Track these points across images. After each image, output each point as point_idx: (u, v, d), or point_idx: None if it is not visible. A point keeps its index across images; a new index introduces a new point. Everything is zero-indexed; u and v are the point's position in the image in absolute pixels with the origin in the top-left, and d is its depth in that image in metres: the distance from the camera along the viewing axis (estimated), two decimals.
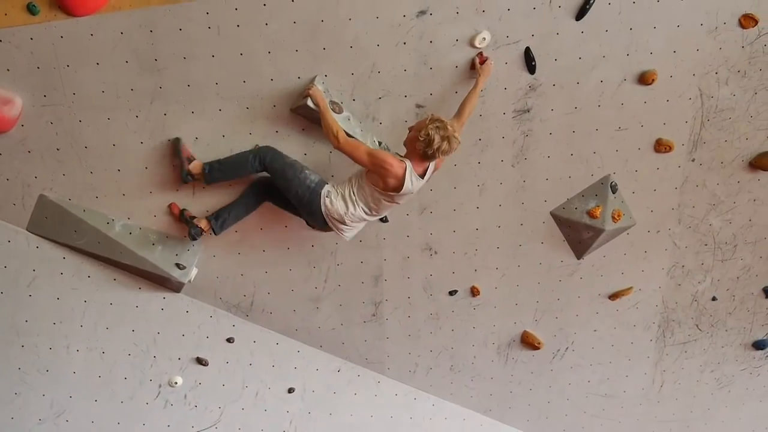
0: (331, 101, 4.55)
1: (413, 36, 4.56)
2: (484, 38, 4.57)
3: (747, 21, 4.70)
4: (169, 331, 5.18)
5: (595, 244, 5.22)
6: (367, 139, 4.62)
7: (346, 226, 4.47)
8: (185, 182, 4.63)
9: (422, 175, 4.31)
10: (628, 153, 5.03)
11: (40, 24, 4.35)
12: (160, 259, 4.87)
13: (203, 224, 4.72)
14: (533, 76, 4.73)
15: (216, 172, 4.59)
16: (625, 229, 5.23)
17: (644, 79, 4.79)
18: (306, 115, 4.61)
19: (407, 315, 5.44)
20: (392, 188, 4.27)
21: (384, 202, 4.37)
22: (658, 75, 4.79)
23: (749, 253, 5.49)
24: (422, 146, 4.13)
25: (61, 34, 4.37)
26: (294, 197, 4.46)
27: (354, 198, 4.38)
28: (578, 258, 5.35)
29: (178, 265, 4.89)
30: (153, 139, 4.66)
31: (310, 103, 4.43)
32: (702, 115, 4.97)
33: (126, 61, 4.46)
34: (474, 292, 5.39)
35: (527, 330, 5.60)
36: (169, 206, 4.84)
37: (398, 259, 5.22)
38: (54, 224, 4.79)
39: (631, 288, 5.50)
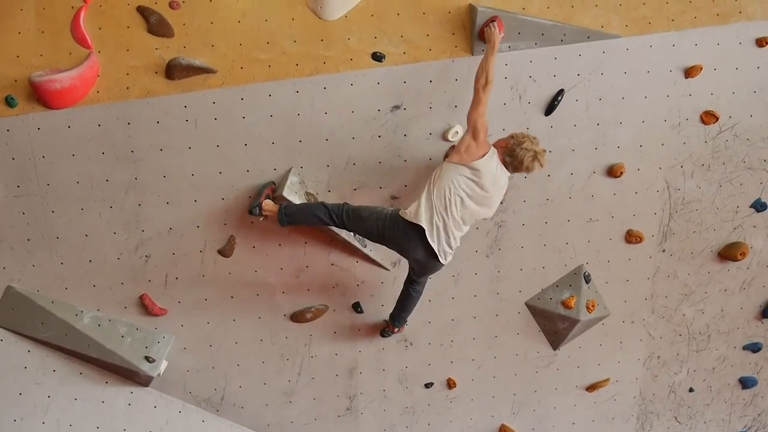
0: (306, 192, 4.59)
1: (388, 129, 4.67)
2: (457, 132, 4.69)
3: (708, 117, 4.89)
4: (135, 427, 4.98)
5: (570, 335, 5.21)
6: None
7: (437, 232, 4.21)
8: (251, 214, 4.47)
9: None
10: (599, 244, 5.10)
11: (18, 116, 4.39)
12: (128, 351, 4.75)
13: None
14: None
15: (291, 216, 4.42)
16: (599, 319, 5.23)
17: (613, 171, 4.92)
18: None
19: (382, 409, 5.32)
20: (476, 156, 4.15)
21: (463, 190, 4.15)
22: (626, 168, 4.92)
23: (723, 343, 5.50)
24: (513, 143, 4.18)
25: (38, 126, 4.41)
26: (375, 233, 4.32)
27: (431, 195, 4.18)
28: (554, 349, 5.33)
29: (147, 358, 4.77)
30: (126, 230, 4.64)
31: (286, 194, 4.47)
32: (670, 207, 5.08)
33: (102, 153, 4.49)
34: (450, 384, 5.31)
35: (505, 423, 5.49)
36: (141, 297, 4.77)
37: (373, 350, 5.15)
38: (20, 316, 4.68)
39: (608, 379, 5.46)
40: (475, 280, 5.08)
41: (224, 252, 4.77)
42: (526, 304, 5.20)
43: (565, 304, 5.09)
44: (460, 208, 4.22)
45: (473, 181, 4.19)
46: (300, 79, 4.52)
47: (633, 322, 5.34)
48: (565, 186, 4.93)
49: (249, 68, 4.50)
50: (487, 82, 4.20)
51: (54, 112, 4.40)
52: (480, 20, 4.51)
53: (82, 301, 4.74)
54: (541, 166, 4.21)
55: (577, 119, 4.79)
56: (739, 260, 5.21)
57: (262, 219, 4.51)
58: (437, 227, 4.23)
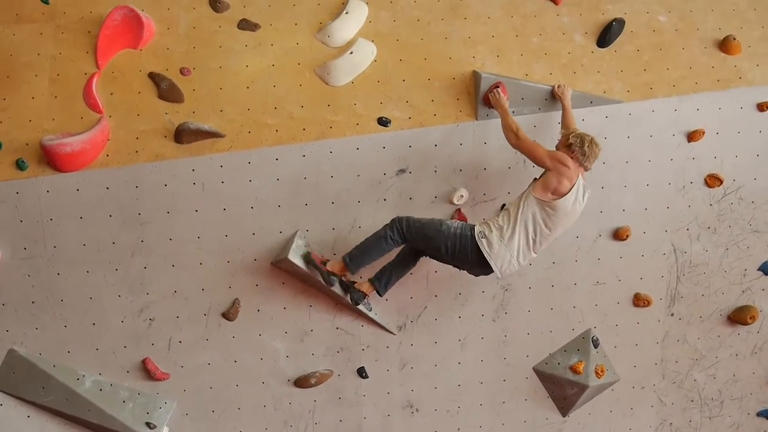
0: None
1: (393, 193, 4.70)
2: (462, 195, 4.72)
3: (712, 181, 4.92)
4: None
5: (580, 401, 5.11)
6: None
7: (504, 260, 4.25)
8: (332, 285, 4.50)
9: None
10: (607, 307, 5.06)
11: (28, 179, 4.44)
12: (129, 417, 4.67)
13: (365, 287, 4.53)
14: None
15: (357, 259, 4.42)
16: (609, 384, 5.14)
17: (618, 234, 4.92)
18: (287, 269, 4.63)
19: None
20: (563, 192, 4.18)
21: (547, 223, 4.21)
22: (632, 231, 4.92)
23: (737, 409, 5.38)
24: (578, 144, 4.18)
25: (47, 189, 4.46)
26: (445, 254, 4.29)
27: (512, 228, 4.22)
28: (563, 415, 5.21)
29: (148, 424, 4.69)
30: (131, 293, 4.63)
31: (291, 257, 4.47)
32: (677, 270, 5.05)
33: (109, 215, 4.52)
34: None
35: None
36: (143, 361, 4.71)
37: (378, 417, 5.05)
38: (21, 380, 4.62)
39: None
40: (481, 345, 5.02)
41: (228, 315, 4.74)
42: (534, 369, 5.12)
43: (573, 369, 5.01)
44: (536, 245, 4.28)
45: (550, 217, 4.22)
46: (307, 143, 4.59)
47: (643, 387, 5.24)
48: (571, 249, 4.92)
49: (256, 132, 4.57)
50: (517, 130, 4.28)
51: (63, 175, 4.46)
52: (484, 86, 4.60)
53: (84, 365, 4.69)
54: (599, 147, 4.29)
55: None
56: (749, 324, 5.14)
57: (345, 279, 4.53)
58: (508, 264, 4.27)
